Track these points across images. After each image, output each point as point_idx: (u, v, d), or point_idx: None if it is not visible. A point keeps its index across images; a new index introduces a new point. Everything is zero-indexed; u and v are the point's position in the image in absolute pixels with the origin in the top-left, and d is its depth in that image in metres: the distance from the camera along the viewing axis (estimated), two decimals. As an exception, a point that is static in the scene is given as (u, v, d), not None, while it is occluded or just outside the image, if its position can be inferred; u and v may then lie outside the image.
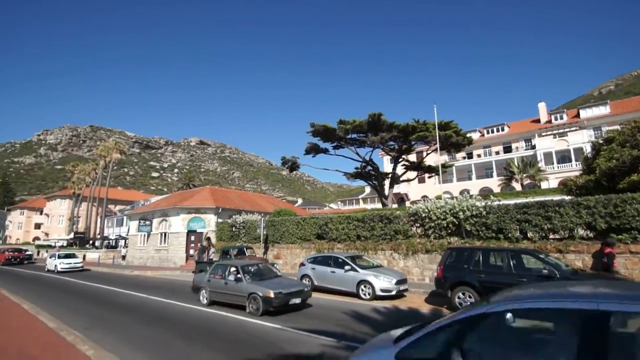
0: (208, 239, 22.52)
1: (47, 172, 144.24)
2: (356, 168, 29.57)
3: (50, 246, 51.06)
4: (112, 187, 64.74)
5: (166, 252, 27.80)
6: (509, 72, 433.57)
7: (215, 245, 22.99)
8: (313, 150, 27.54)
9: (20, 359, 5.85)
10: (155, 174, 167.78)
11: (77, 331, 7.78)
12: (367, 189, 65.62)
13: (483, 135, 48.56)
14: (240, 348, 6.73)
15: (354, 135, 26.18)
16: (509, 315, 2.35)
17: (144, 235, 30.79)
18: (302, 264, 14.13)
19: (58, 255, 26.83)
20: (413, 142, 26.83)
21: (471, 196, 14.24)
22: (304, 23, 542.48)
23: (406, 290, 11.97)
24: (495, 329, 2.57)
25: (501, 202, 13.18)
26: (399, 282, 11.46)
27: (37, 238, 70.99)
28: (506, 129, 47.58)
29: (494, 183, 42.57)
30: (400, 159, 28.98)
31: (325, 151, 27.97)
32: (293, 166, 28.99)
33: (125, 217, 49.44)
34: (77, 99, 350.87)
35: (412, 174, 30.57)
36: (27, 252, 39.29)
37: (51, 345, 6.69)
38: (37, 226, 75.28)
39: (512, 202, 13.28)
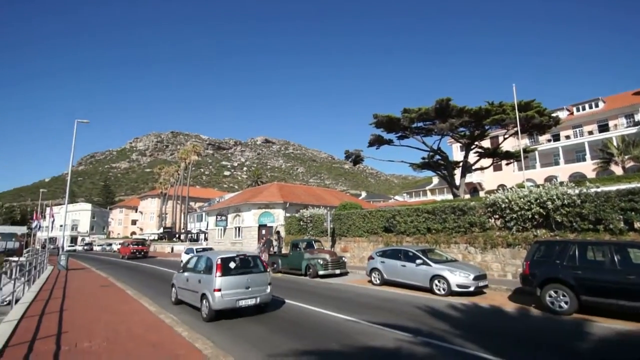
0: (278, 232, 23.56)
1: (139, 175, 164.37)
2: (423, 158, 28.26)
3: (144, 240, 58.21)
4: (191, 186, 71.30)
5: (240, 245, 29.78)
6: (602, 41, 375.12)
7: (285, 239, 23.94)
8: (376, 142, 26.97)
9: (129, 337, 6.71)
10: (227, 173, 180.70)
11: (174, 315, 8.70)
12: (435, 180, 62.50)
13: (572, 113, 42.71)
14: (314, 337, 6.87)
15: (420, 124, 24.98)
16: None
17: (221, 230, 33.36)
18: (370, 257, 13.98)
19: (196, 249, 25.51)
20: (487, 127, 24.67)
21: (561, 183, 12.64)
22: (368, 15, 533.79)
23: (486, 286, 11.13)
24: None
25: (599, 189, 11.48)
26: (477, 278, 10.69)
27: (133, 233, 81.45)
28: (601, 104, 41.21)
29: (588, 167, 37.30)
30: (473, 146, 26.91)
31: (390, 142, 27.19)
32: (357, 159, 28.77)
33: (204, 213, 54.11)
34: (160, 108, 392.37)
35: (486, 162, 28.22)
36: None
37: (153, 326, 7.57)
38: (134, 222, 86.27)
39: (612, 188, 11.50)
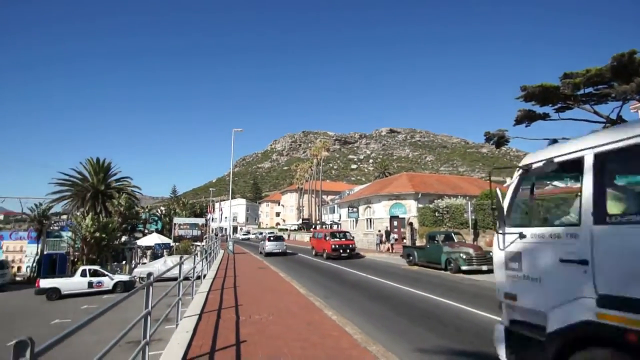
0: (410, 224, 22.82)
1: (279, 172, 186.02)
2: (595, 131, 22.51)
3: (285, 229, 65.83)
4: (323, 181, 76.43)
5: (372, 236, 30.19)
6: None
7: (418, 231, 23.00)
8: (526, 118, 22.76)
9: (289, 314, 7.52)
10: (354, 166, 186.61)
11: (320, 298, 9.38)
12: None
13: None
14: (465, 335, 6.25)
15: (589, 90, 19.90)
16: None
17: (353, 221, 34.55)
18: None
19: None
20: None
21: None
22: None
23: None
24: None
25: None
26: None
27: (277, 224, 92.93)
28: None
29: None
30: (673, 110, 19.95)
31: (545, 117, 22.58)
32: (500, 141, 25.01)
33: (336, 206, 57.24)
34: (293, 110, 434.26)
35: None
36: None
37: (305, 307, 8.30)
38: (277, 214, 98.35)
39: None
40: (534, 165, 3.37)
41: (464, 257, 14.21)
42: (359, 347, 5.36)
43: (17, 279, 23.72)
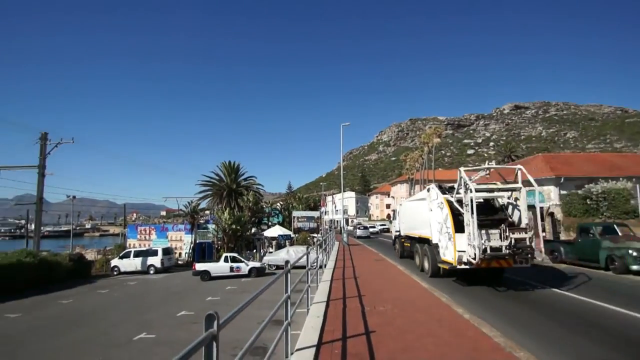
0: (551, 214, 19.41)
1: (386, 164, 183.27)
2: None
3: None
4: (435, 170, 71.83)
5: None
6: None
7: (562, 222, 19.38)
8: None
9: (414, 308, 7.21)
10: (470, 151, 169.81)
11: (445, 294, 8.72)
12: None
13: None
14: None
15: None
16: None
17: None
18: None
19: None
20: None
21: None
22: None
23: None
24: None
25: None
26: None
27: (388, 215, 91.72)
28: None
29: None
30: None
31: None
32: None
33: (452, 195, 53.06)
34: (398, 98, 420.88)
35: None
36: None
37: (430, 301, 7.85)
38: (387, 206, 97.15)
39: None
40: None
41: (635, 254, 11.30)
42: (502, 352, 4.74)
43: (179, 262, 29.43)
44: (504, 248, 8.77)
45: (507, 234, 8.88)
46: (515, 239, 8.88)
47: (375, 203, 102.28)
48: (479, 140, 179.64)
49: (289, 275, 4.19)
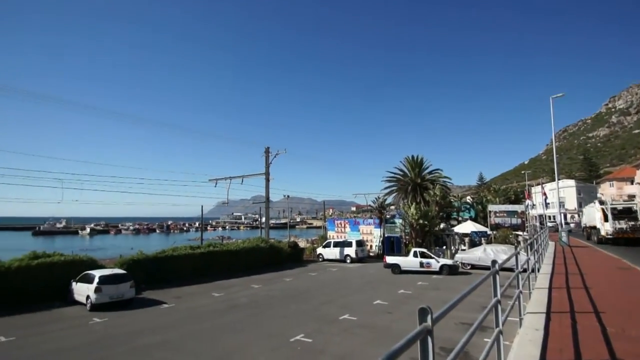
0: None
1: (625, 139, 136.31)
2: None
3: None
4: None
5: None
6: None
7: None
8: None
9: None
10: None
11: None
12: None
13: None
14: None
15: None
16: None
17: None
18: None
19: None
20: None
21: None
22: None
23: None
24: None
25: None
26: None
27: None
28: None
29: None
30: None
31: None
32: None
33: None
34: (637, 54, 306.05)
35: None
36: None
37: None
38: (631, 197, 71.72)
39: None
40: None
41: None
42: None
43: (371, 254, 31.39)
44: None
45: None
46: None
47: (610, 193, 77.35)
48: None
49: (497, 276, 3.56)
